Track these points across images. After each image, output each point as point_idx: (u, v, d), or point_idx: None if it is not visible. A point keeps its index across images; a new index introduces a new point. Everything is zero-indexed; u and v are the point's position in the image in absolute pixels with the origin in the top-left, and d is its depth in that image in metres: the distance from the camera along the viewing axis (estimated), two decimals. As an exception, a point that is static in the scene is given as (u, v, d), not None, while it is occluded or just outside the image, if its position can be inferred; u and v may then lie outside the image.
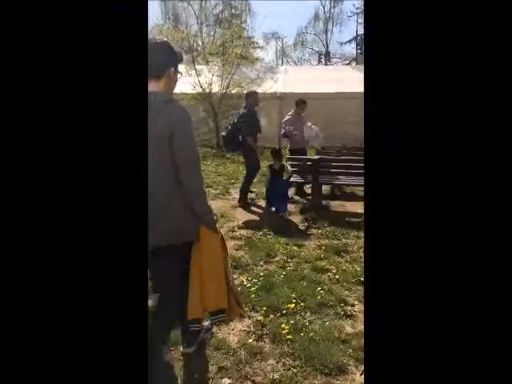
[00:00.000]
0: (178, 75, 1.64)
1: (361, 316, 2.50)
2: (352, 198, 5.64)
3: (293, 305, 2.56)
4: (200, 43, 15.17)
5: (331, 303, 2.63)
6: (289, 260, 3.41)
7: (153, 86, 1.49)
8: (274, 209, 4.93)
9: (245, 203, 5.25)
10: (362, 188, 5.78)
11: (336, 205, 5.24)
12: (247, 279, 2.97)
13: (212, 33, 16.91)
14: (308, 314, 2.49)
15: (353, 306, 2.63)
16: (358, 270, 3.19)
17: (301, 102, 5.64)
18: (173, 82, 1.61)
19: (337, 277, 3.04)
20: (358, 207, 5.08)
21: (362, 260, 3.41)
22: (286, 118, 5.72)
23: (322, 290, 2.81)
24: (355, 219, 4.49)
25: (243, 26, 14.64)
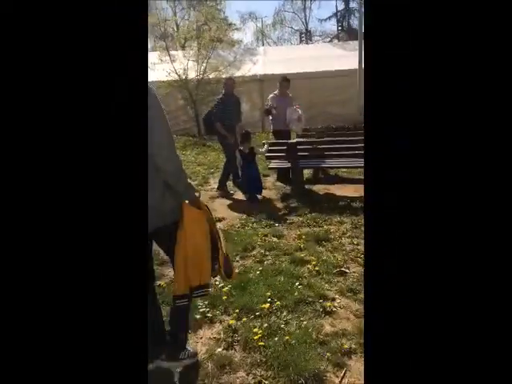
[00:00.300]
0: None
1: (341, 312, 2.31)
2: (336, 180, 5.42)
3: (268, 304, 2.35)
4: (175, 28, 14.58)
5: (310, 299, 2.42)
6: (267, 253, 3.19)
7: None
8: (247, 195, 4.74)
9: (224, 192, 5.02)
10: (347, 169, 5.56)
11: (319, 189, 5.02)
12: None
13: (186, 17, 16.24)
14: (284, 313, 2.29)
15: (333, 300, 2.43)
16: (339, 259, 2.99)
17: (284, 79, 5.32)
18: None
19: (317, 268, 2.83)
20: (343, 190, 4.87)
21: (344, 248, 3.21)
22: (271, 95, 5.39)
23: (300, 284, 2.61)
24: (342, 202, 4.29)
25: (218, 7, 14.02)
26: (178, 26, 15.25)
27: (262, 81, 10.58)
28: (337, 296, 2.48)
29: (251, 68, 10.71)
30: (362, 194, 4.38)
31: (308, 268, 2.87)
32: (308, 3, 25.71)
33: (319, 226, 3.72)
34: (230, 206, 4.64)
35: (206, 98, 10.06)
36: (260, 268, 2.88)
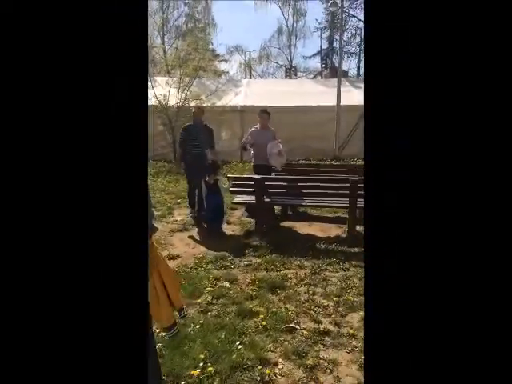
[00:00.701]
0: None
1: (281, 381, 2.01)
2: (305, 217, 5.21)
3: (198, 370, 2.03)
4: (162, 55, 14.68)
5: (249, 363, 2.12)
6: (214, 301, 2.89)
7: None
8: (206, 226, 4.51)
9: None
10: (317, 208, 5.38)
11: (286, 226, 4.80)
12: (155, 330, 2.41)
13: (174, 45, 16.44)
14: (215, 383, 1.97)
15: (275, 365, 2.14)
16: (291, 311, 2.72)
17: (262, 111, 5.12)
18: None
19: (264, 323, 2.54)
20: (310, 229, 4.66)
21: (298, 298, 2.95)
22: (251, 129, 5.16)
23: (241, 343, 2.31)
24: (307, 243, 4.06)
25: (206, 38, 14.26)
26: (165, 52, 15.36)
27: (242, 111, 10.55)
28: (280, 359, 2.19)
29: (233, 99, 10.71)
30: (328, 235, 4.33)
31: (255, 322, 2.57)
32: (293, 40, 26.59)
33: (277, 270, 3.46)
34: (188, 241, 4.34)
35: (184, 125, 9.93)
36: (201, 321, 2.57)
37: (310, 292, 3.03)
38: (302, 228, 4.72)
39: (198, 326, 2.50)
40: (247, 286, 3.16)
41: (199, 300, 2.92)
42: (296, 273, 3.40)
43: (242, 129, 10.05)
